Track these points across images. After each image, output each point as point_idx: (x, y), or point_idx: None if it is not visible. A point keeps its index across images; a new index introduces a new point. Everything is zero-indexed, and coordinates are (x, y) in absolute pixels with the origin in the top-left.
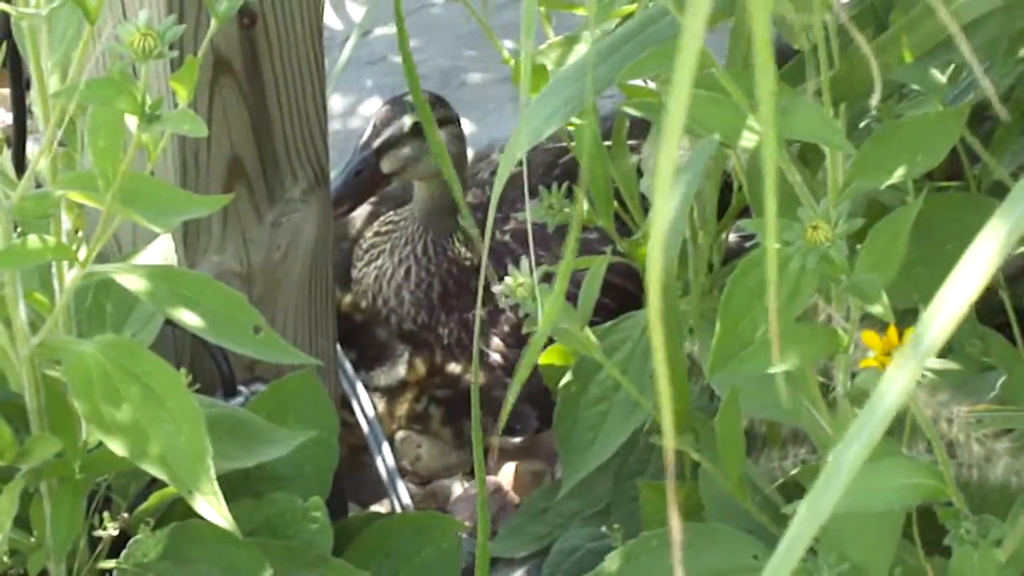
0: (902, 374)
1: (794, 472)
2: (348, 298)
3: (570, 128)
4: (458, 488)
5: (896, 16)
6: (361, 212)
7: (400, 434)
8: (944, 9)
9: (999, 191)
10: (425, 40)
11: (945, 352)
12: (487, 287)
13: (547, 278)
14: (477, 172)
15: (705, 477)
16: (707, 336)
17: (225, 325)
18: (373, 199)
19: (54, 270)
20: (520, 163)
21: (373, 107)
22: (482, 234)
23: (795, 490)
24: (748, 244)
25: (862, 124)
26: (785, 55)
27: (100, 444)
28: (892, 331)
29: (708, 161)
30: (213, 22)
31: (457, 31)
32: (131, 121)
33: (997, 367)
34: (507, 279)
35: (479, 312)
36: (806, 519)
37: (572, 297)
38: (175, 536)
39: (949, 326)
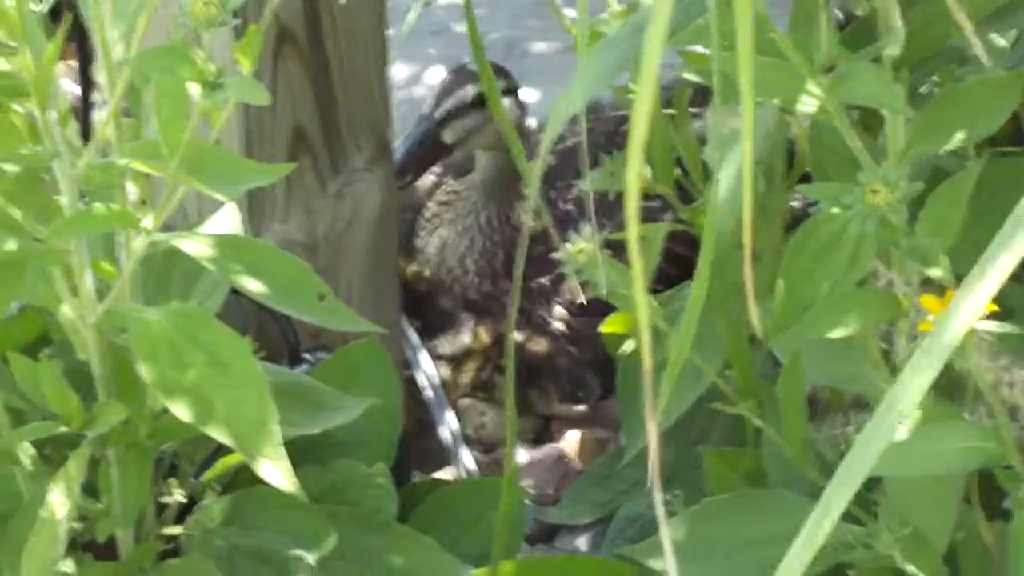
0: (954, 323)
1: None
2: (412, 267)
3: (631, 96)
4: (523, 455)
5: None
6: (424, 182)
7: (464, 402)
8: None
9: None
10: (489, 10)
11: (1007, 317)
12: (547, 255)
13: (609, 246)
14: (538, 143)
15: (768, 444)
16: (769, 302)
17: (290, 293)
18: (437, 169)
19: (121, 239)
20: (582, 132)
21: (437, 76)
22: (542, 201)
23: None
24: (812, 210)
25: (923, 89)
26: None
27: (166, 411)
28: (951, 295)
29: (770, 127)
30: None
31: (521, 1)
32: (194, 90)
33: None
34: (567, 245)
35: (517, 280)
36: (854, 464)
37: None
38: (240, 502)
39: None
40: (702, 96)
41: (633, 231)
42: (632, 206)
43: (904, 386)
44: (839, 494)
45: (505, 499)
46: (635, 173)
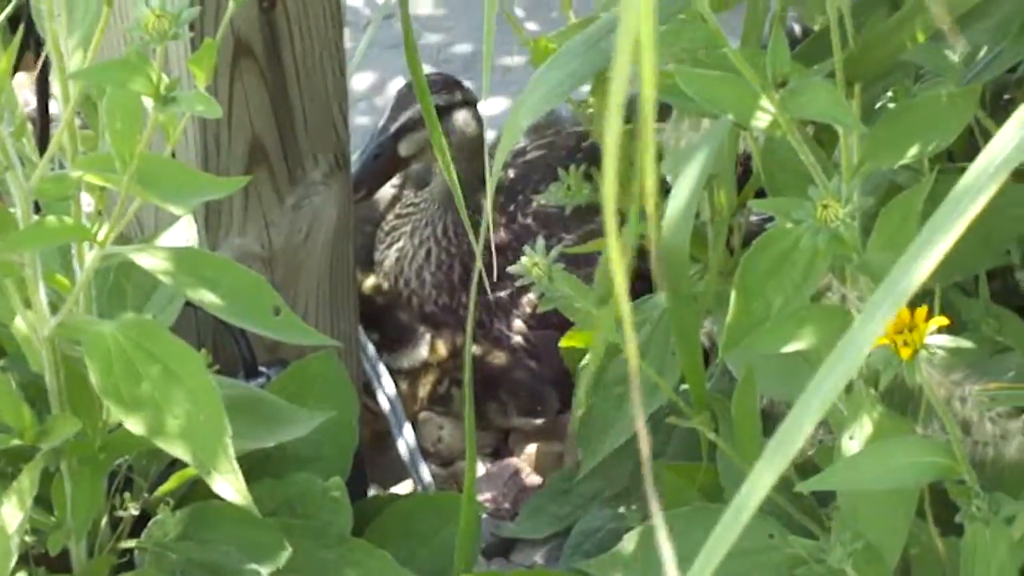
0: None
1: (811, 453)
2: (371, 280)
3: (590, 111)
4: (481, 469)
5: None
6: (385, 194)
7: (422, 416)
8: None
9: (1017, 173)
10: (455, 22)
11: (960, 331)
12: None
13: (565, 259)
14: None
15: (723, 458)
16: (724, 316)
17: (244, 306)
18: (396, 181)
19: (75, 251)
20: (545, 146)
21: (398, 87)
22: (495, 213)
23: (812, 471)
24: (768, 225)
25: (878, 105)
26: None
27: (120, 424)
28: (903, 310)
29: (722, 141)
30: (231, 3)
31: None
32: (149, 103)
33: (1012, 348)
34: (523, 259)
35: (473, 293)
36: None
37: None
38: (195, 516)
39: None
40: (660, 111)
41: (613, 243)
42: (610, 217)
43: (817, 387)
44: (747, 504)
45: (463, 513)
46: (611, 184)
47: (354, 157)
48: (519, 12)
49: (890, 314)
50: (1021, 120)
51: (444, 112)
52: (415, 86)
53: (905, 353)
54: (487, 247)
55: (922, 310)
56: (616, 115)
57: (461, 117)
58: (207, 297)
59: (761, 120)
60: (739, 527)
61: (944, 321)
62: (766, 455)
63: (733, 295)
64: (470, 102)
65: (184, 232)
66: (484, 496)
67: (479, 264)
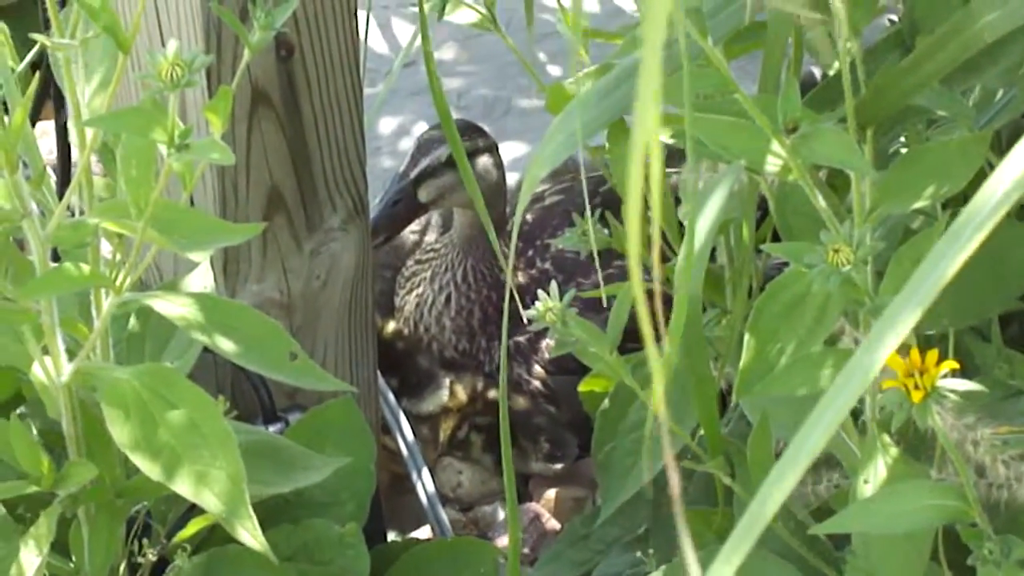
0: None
1: (827, 497)
2: (391, 326)
3: (607, 156)
4: (500, 514)
5: (922, 40)
6: (406, 239)
7: (441, 461)
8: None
9: None
10: (476, 66)
11: (972, 375)
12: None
13: (584, 304)
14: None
15: (738, 502)
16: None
17: (262, 352)
18: (416, 227)
19: (93, 298)
20: (563, 191)
21: (421, 131)
22: (515, 259)
23: (828, 515)
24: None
25: (892, 150)
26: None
27: (137, 470)
28: (915, 353)
29: (738, 186)
30: (246, 52)
31: (509, 58)
32: (163, 150)
33: None
34: (537, 304)
35: (504, 338)
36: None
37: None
38: (213, 562)
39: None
40: (678, 156)
41: (636, 284)
42: (634, 258)
43: (811, 428)
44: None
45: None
46: (635, 228)
47: (375, 202)
48: (541, 56)
49: (891, 346)
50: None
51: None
52: (444, 130)
53: (916, 396)
54: (507, 292)
55: (933, 353)
56: (639, 162)
57: (481, 163)
58: (224, 343)
59: (773, 165)
60: (740, 558)
61: (954, 364)
62: (770, 479)
63: (746, 339)
64: (490, 148)
65: (202, 279)
66: (504, 541)
67: (506, 307)
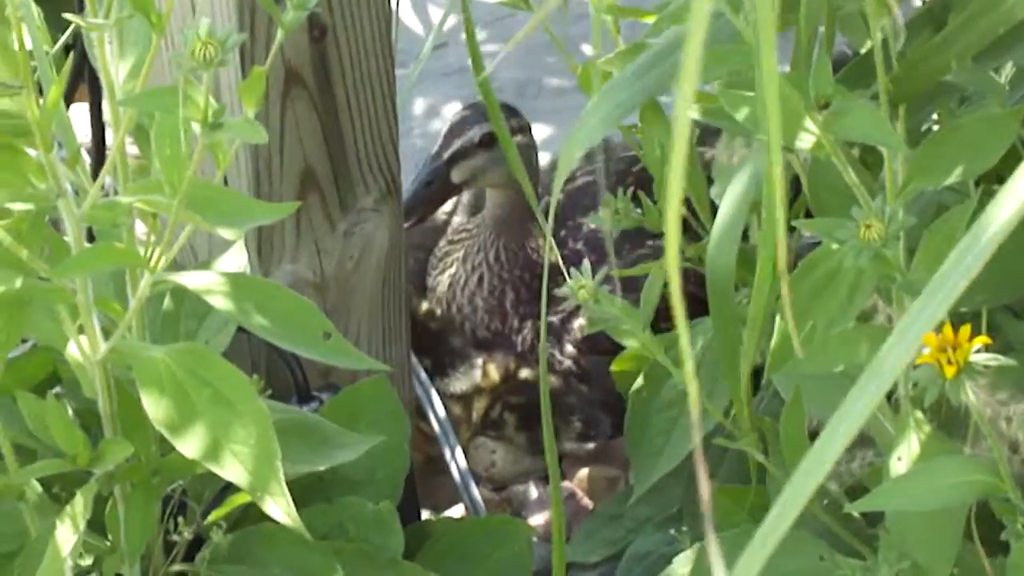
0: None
1: (861, 475)
2: (424, 306)
3: (639, 136)
4: (533, 493)
5: (954, 17)
6: (438, 220)
7: (474, 440)
8: None
9: None
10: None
11: (1005, 351)
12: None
13: (613, 282)
14: (549, 182)
15: (771, 480)
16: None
17: (295, 331)
18: (448, 207)
19: (128, 278)
20: (594, 171)
21: (453, 111)
22: (553, 239)
23: (862, 493)
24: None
25: (924, 128)
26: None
27: (173, 449)
28: (947, 329)
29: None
30: (280, 32)
31: (540, 39)
32: (196, 129)
33: None
34: (569, 282)
35: (543, 317)
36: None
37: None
38: (248, 539)
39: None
40: (705, 135)
41: (673, 264)
42: (673, 236)
43: (848, 408)
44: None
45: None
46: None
47: (407, 183)
48: (574, 35)
49: (930, 324)
50: None
51: (497, 139)
52: (487, 107)
53: (949, 372)
54: (539, 271)
55: (966, 329)
56: (683, 137)
57: (515, 143)
58: (258, 322)
59: (804, 141)
60: (777, 537)
61: (986, 340)
62: (804, 464)
63: (779, 315)
64: (524, 128)
65: (236, 259)
66: (537, 520)
67: (545, 282)
